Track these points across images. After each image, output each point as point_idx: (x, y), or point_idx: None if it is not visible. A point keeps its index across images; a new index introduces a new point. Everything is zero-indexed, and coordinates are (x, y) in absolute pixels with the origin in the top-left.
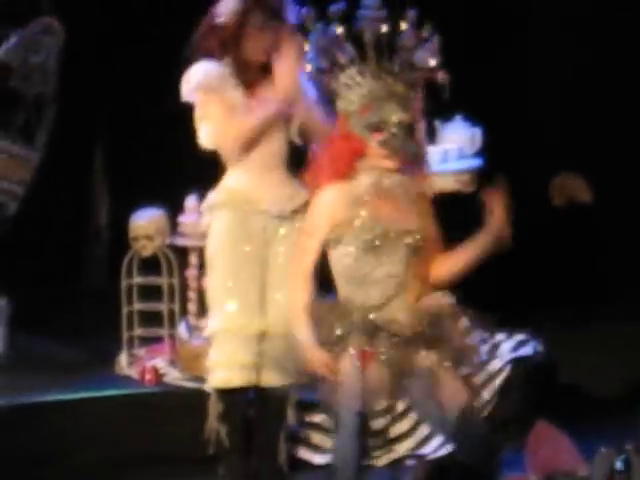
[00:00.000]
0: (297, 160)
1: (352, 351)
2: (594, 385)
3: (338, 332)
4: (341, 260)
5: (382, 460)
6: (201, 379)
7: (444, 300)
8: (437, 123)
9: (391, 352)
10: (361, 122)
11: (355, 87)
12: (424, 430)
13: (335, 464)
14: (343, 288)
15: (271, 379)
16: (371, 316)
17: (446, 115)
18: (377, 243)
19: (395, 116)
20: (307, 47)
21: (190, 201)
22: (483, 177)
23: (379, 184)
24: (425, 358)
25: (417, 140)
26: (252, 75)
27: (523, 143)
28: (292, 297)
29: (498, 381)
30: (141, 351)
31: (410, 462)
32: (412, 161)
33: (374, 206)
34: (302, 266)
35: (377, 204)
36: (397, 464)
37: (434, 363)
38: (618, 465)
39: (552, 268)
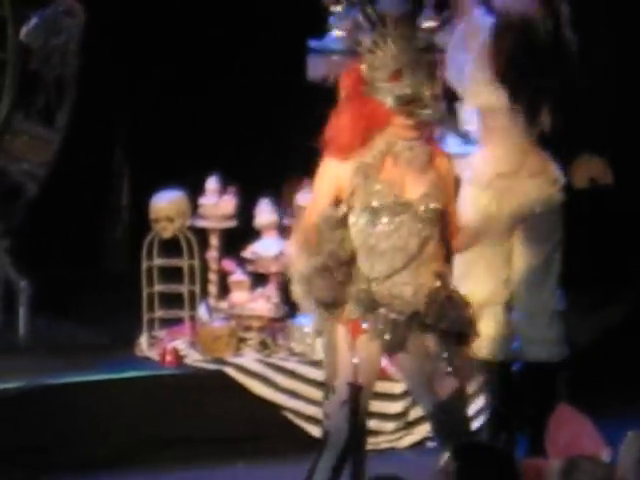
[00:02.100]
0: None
1: (344, 321)
2: (616, 368)
3: (337, 292)
4: (352, 227)
5: (404, 442)
6: (221, 361)
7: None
8: (457, 105)
9: (384, 331)
10: (389, 90)
11: (380, 52)
12: None
13: (327, 433)
14: (357, 254)
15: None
16: (373, 288)
17: None
18: (384, 212)
19: (427, 88)
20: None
21: (211, 183)
22: None
23: (391, 149)
24: (419, 341)
25: (440, 107)
26: None
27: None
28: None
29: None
30: (161, 333)
31: (431, 444)
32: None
33: (384, 173)
34: (304, 224)
35: (387, 171)
36: (418, 446)
37: (428, 347)
38: None
39: (573, 251)
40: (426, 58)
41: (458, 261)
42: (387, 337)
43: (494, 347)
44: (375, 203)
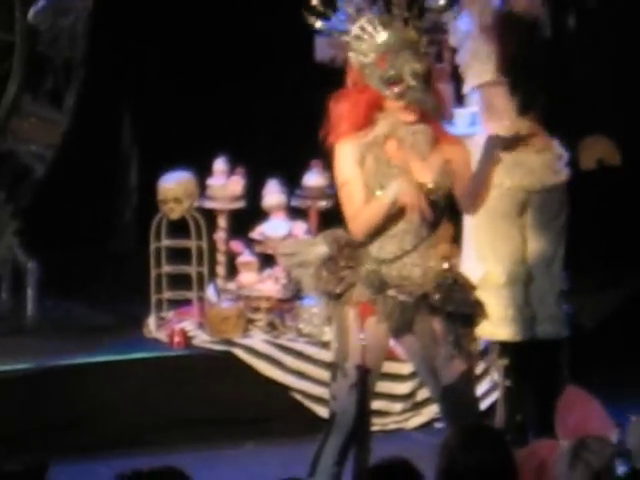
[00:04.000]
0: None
1: (353, 304)
2: (623, 348)
3: (346, 279)
4: None
5: (411, 423)
6: (229, 342)
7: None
8: (464, 87)
9: (392, 313)
10: (377, 75)
11: (367, 38)
12: None
13: (334, 414)
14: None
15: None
16: (383, 269)
17: None
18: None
19: (410, 67)
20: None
21: (218, 164)
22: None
23: (395, 133)
24: (426, 323)
25: (435, 90)
26: None
27: (550, 105)
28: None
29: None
30: (170, 314)
31: (439, 425)
32: (431, 113)
33: (389, 156)
34: (353, 209)
35: (392, 155)
36: (426, 427)
37: (434, 329)
38: None
39: (581, 232)
40: (412, 32)
41: (477, 242)
42: (395, 319)
43: (514, 328)
44: (387, 186)
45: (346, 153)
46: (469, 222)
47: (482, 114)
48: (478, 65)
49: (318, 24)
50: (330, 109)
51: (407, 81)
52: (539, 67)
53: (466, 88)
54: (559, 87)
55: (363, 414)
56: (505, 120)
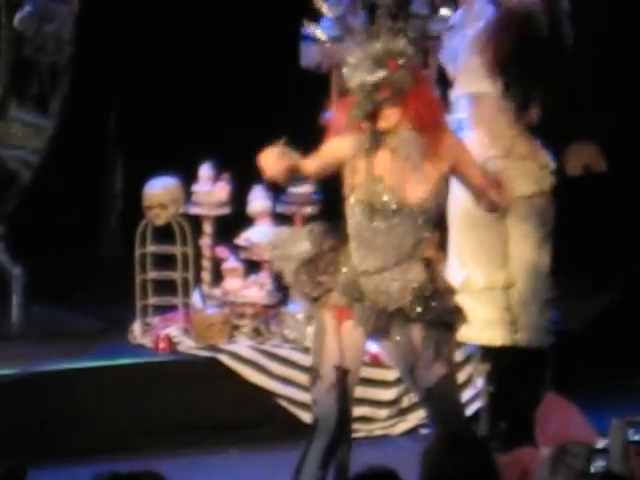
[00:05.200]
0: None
1: (330, 306)
2: (611, 352)
3: (323, 284)
4: (349, 217)
5: (397, 429)
6: (214, 348)
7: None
8: (450, 93)
9: (368, 319)
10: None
11: (357, 51)
12: None
13: (316, 419)
14: (351, 242)
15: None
16: (361, 280)
17: None
18: (383, 211)
19: (360, 79)
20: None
21: (204, 170)
22: None
23: (383, 141)
24: (404, 330)
25: (421, 98)
26: None
27: (552, 104)
28: None
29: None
30: (155, 320)
31: (424, 431)
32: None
33: (385, 173)
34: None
35: (387, 169)
36: (412, 433)
37: (413, 336)
38: (636, 437)
39: (568, 237)
40: (397, 42)
41: (458, 247)
42: (372, 324)
43: (495, 332)
44: (375, 203)
45: (334, 141)
46: (452, 227)
47: (470, 120)
48: (468, 74)
49: (318, 32)
50: (327, 116)
51: (357, 94)
52: (535, 64)
53: (455, 94)
54: (561, 85)
55: (343, 416)
56: (495, 128)
